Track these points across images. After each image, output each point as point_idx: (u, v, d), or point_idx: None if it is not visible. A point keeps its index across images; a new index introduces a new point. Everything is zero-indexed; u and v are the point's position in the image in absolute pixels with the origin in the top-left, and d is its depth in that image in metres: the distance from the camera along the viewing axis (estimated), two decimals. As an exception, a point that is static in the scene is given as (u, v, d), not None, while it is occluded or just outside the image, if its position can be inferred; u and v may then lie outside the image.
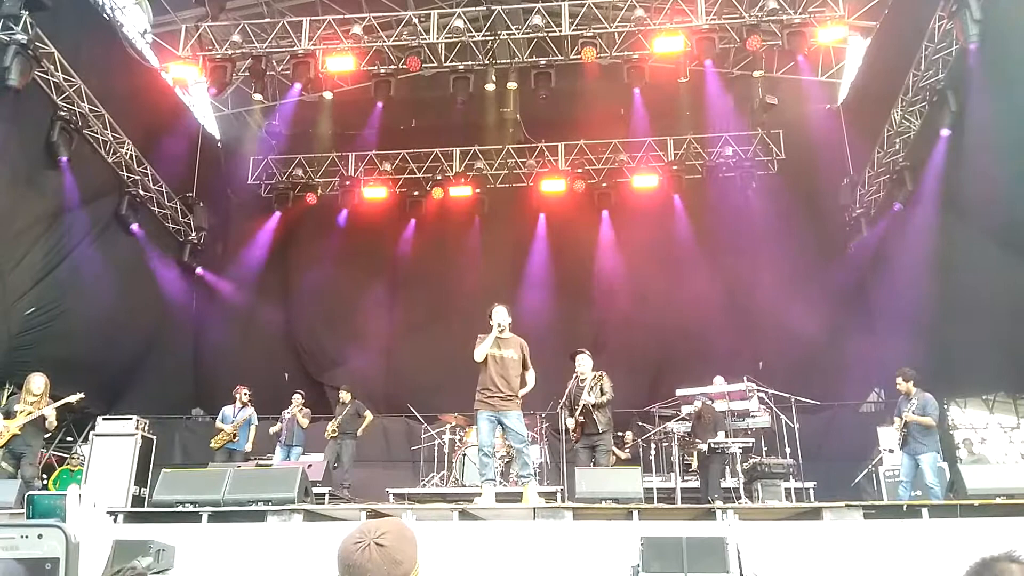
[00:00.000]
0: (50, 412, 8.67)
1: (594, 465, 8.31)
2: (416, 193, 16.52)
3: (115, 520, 6.45)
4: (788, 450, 10.43)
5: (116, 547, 4.80)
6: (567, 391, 8.75)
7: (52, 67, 11.35)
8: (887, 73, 12.68)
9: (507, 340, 7.42)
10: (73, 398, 9.02)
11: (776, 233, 14.98)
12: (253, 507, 6.38)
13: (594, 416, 8.40)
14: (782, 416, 10.79)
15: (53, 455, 12.35)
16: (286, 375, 15.02)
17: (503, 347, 7.36)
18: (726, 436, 9.92)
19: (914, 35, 11.47)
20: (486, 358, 7.31)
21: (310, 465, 9.71)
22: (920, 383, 8.91)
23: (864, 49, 13.57)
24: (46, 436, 9.27)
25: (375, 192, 16.37)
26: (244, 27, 13.20)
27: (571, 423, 8.53)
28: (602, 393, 8.43)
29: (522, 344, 7.53)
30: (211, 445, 11.05)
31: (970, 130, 10.57)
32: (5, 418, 8.69)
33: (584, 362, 8.64)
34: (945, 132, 11.04)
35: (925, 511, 5.96)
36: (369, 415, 11.56)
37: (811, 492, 9.98)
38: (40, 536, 1.41)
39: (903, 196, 12.53)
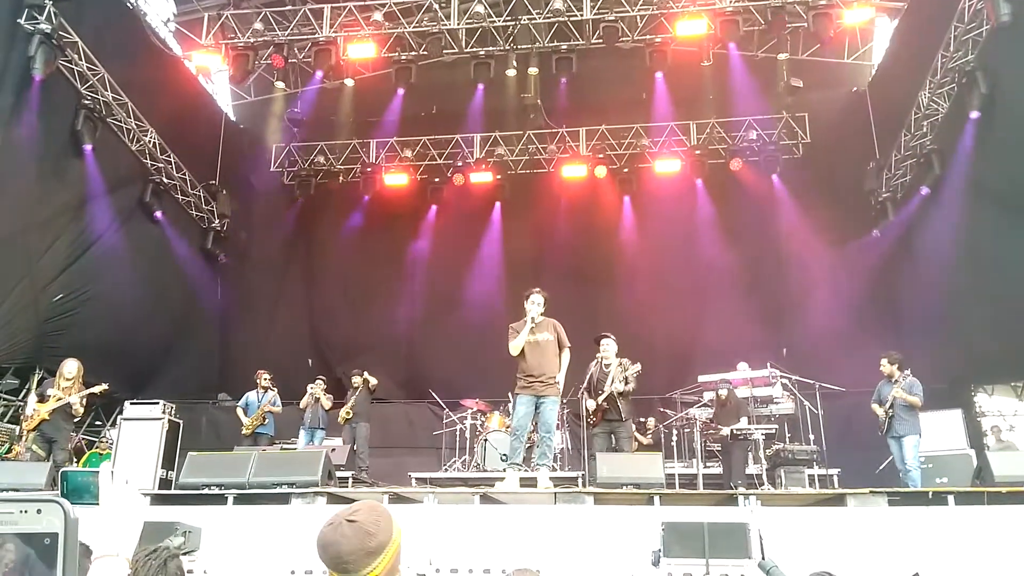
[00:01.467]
0: (76, 401, 8.82)
1: (615, 451, 8.28)
2: (437, 179, 16.53)
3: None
4: (812, 436, 10.35)
5: (146, 527, 4.89)
6: (588, 375, 8.69)
7: (76, 56, 11.45)
8: (915, 54, 12.45)
9: (540, 324, 7.42)
10: (97, 389, 9.15)
11: (801, 218, 14.82)
12: (277, 490, 6.46)
13: (618, 403, 8.35)
14: (806, 402, 10.71)
15: (82, 439, 12.56)
16: (310, 361, 15.14)
17: (537, 331, 7.37)
18: (749, 422, 9.86)
19: (943, 15, 11.24)
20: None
21: (334, 449, 9.79)
22: (905, 367, 8.76)
23: (891, 30, 13.35)
24: (75, 421, 9.42)
25: (396, 179, 16.40)
26: (266, 15, 13.27)
27: (591, 406, 8.45)
28: (626, 383, 8.33)
29: (555, 324, 7.53)
30: (243, 432, 11.11)
31: (1001, 112, 10.35)
32: (39, 402, 8.85)
33: (609, 347, 8.59)
34: (975, 114, 10.82)
35: (951, 498, 5.89)
36: (374, 380, 11.55)
37: (835, 479, 9.90)
38: (39, 511, 1.41)
39: (930, 180, 12.31)
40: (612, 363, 8.48)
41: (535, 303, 7.39)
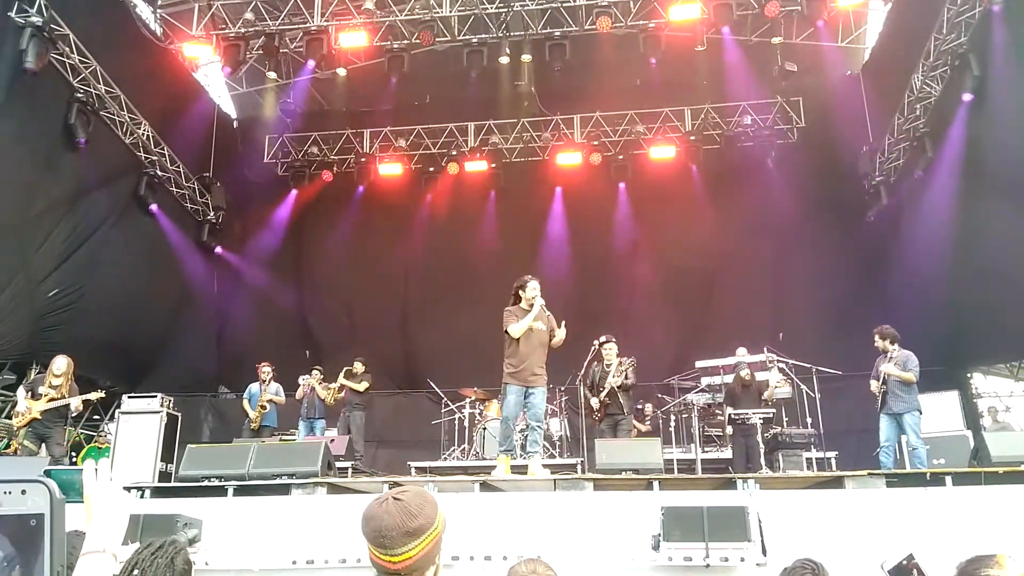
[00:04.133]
0: (76, 402, 8.86)
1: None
2: (431, 169, 16.46)
3: (142, 495, 6.56)
4: (809, 420, 10.39)
5: (143, 521, 4.89)
6: (590, 373, 9.21)
7: (68, 49, 11.36)
8: (908, 38, 12.43)
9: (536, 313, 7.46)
10: (93, 396, 9.18)
11: (795, 203, 14.82)
12: (277, 481, 6.47)
13: (619, 399, 8.89)
14: (803, 386, 10.74)
15: (81, 433, 12.55)
16: (307, 352, 15.13)
17: (535, 319, 7.41)
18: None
19: (937, -3, 11.22)
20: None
21: (332, 440, 9.81)
22: (899, 342, 8.57)
23: (885, 13, 13.31)
24: (73, 416, 9.43)
25: (390, 168, 16.34)
26: (256, 4, 13.17)
27: (595, 403, 9.00)
28: (626, 377, 8.89)
29: (549, 315, 7.56)
30: (251, 427, 11.09)
31: (993, 95, 10.36)
32: (31, 397, 8.84)
33: (612, 349, 9.12)
34: (967, 97, 10.81)
35: (949, 479, 5.93)
36: (364, 385, 11.59)
37: (832, 461, 9.95)
38: (24, 492, 1.41)
39: (923, 163, 12.32)
40: (613, 363, 9.05)
41: (535, 288, 7.40)
